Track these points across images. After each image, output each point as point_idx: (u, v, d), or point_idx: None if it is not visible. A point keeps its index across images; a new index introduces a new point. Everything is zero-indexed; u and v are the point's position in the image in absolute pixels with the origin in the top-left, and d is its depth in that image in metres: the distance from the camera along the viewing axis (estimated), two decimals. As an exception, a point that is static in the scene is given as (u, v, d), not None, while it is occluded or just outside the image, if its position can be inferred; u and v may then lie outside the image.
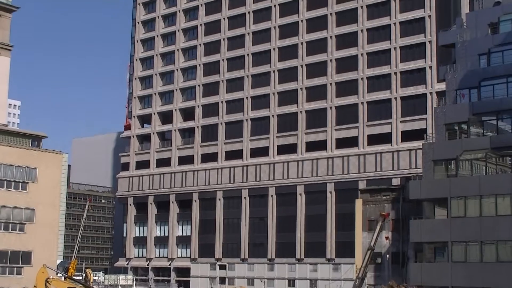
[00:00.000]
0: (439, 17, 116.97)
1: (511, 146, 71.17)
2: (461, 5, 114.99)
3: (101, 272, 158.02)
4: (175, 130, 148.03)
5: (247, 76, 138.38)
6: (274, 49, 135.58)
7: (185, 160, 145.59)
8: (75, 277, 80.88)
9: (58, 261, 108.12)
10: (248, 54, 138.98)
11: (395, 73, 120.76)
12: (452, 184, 73.07)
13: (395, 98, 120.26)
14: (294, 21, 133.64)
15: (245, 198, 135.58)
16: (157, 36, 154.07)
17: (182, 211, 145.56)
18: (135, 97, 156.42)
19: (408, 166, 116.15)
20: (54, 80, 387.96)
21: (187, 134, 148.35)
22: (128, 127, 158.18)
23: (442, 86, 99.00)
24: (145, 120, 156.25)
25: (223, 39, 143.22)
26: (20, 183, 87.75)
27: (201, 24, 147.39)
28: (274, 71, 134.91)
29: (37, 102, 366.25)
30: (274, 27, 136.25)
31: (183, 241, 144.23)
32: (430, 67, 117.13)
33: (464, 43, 78.49)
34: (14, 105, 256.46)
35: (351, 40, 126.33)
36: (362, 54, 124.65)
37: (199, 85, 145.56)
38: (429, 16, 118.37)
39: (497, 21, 77.47)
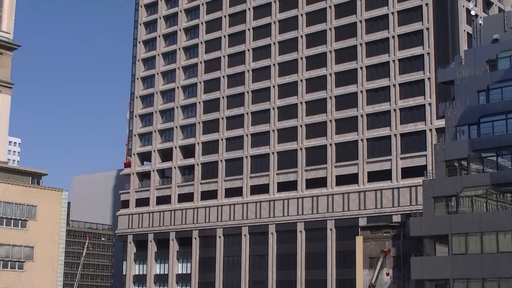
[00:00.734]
0: (438, 54, 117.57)
1: (511, 182, 71.13)
2: (459, 43, 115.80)
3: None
4: (175, 167, 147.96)
5: (247, 113, 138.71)
6: (274, 86, 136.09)
7: (185, 197, 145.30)
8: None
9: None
10: (248, 91, 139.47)
11: (395, 110, 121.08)
12: (453, 220, 72.90)
13: (395, 135, 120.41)
14: (293, 58, 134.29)
15: (245, 235, 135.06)
16: (157, 73, 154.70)
17: (182, 248, 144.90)
18: (135, 135, 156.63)
19: (408, 203, 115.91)
20: (54, 118, 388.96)
21: (187, 171, 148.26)
22: (128, 165, 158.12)
23: (441, 123, 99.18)
24: (145, 157, 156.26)
25: (223, 76, 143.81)
26: (20, 221, 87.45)
27: (201, 62, 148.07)
28: (273, 108, 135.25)
29: (37, 139, 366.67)
30: (274, 65, 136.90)
31: (183, 279, 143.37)
32: (430, 104, 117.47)
33: (463, 80, 78.87)
34: (15, 142, 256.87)
35: (350, 77, 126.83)
36: (361, 91, 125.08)
37: (199, 123, 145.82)
38: (428, 53, 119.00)
39: (495, 58, 77.94)
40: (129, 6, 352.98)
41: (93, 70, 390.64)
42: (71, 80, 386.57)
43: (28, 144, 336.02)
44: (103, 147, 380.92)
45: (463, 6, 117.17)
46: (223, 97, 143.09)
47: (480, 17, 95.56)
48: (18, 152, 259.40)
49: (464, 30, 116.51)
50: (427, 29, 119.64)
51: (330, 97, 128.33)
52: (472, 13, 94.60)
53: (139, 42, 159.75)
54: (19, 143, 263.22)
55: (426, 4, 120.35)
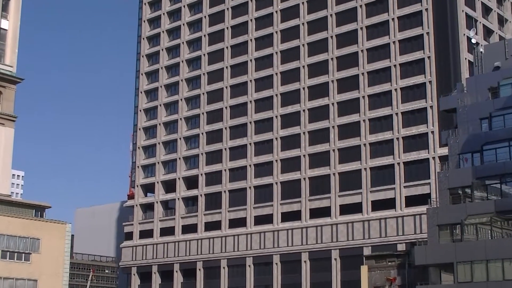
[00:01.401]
0: (440, 83, 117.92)
1: (515, 209, 70.94)
2: (461, 71, 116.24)
3: None
4: (178, 198, 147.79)
5: (250, 143, 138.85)
6: (276, 116, 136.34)
7: (189, 228, 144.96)
8: None
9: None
10: (250, 122, 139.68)
11: (398, 138, 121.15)
12: (458, 249, 72.59)
13: (398, 164, 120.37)
14: (296, 89, 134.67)
15: (249, 266, 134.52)
16: (160, 105, 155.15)
17: (186, 280, 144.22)
18: (138, 166, 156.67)
19: (412, 231, 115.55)
20: (58, 150, 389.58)
21: (190, 202, 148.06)
22: (131, 196, 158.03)
23: (444, 151, 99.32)
24: (148, 189, 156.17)
25: (226, 107, 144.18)
26: (23, 254, 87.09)
27: (203, 93, 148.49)
28: (276, 138, 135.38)
29: (41, 172, 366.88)
30: (276, 95, 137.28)
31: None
32: (432, 132, 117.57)
33: (465, 107, 78.99)
34: (18, 175, 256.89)
35: (353, 106, 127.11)
36: (364, 120, 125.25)
37: (202, 154, 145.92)
38: (430, 82, 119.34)
39: (497, 86, 78.10)
40: (131, 38, 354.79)
41: (96, 102, 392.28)
42: (74, 113, 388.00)
43: (31, 177, 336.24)
44: (107, 179, 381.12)
45: (464, 34, 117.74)
46: (225, 128, 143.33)
47: (481, 45, 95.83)
48: (22, 185, 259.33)
49: (466, 58, 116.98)
50: (429, 57, 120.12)
51: (333, 126, 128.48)
52: (473, 41, 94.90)
53: (142, 74, 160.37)
54: (22, 176, 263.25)
55: (427, 33, 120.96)
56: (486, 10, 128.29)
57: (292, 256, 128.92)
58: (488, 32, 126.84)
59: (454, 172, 76.66)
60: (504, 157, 73.95)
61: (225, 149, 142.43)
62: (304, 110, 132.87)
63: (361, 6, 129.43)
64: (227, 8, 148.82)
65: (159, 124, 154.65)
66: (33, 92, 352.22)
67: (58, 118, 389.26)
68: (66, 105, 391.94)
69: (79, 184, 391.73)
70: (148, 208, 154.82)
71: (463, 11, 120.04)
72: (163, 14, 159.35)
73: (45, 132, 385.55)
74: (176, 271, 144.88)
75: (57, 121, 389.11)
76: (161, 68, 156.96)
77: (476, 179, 74.48)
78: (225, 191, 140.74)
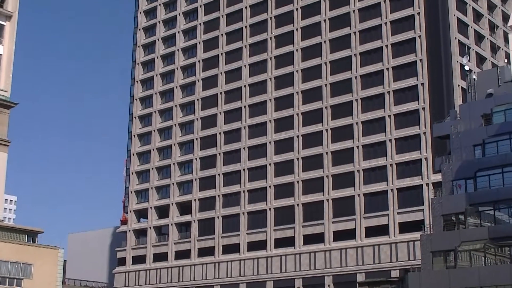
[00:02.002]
0: (433, 109, 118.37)
1: (509, 236, 70.87)
2: (454, 97, 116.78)
3: None
4: (171, 224, 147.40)
5: (244, 169, 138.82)
6: (270, 142, 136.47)
7: (182, 254, 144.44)
8: None
9: None
10: (244, 148, 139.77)
11: (391, 164, 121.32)
12: (452, 275, 72.40)
13: (392, 190, 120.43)
14: (289, 115, 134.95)
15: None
16: (154, 130, 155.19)
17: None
18: (131, 192, 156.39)
19: (406, 258, 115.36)
20: (51, 175, 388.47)
21: (184, 228, 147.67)
22: (124, 222, 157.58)
23: (438, 177, 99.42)
24: (141, 214, 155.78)
25: (219, 133, 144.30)
26: (15, 280, 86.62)
27: (197, 119, 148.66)
28: (270, 164, 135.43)
29: (34, 197, 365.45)
30: (270, 121, 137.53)
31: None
32: (426, 159, 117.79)
33: (459, 134, 79.21)
34: (11, 200, 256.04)
35: (346, 132, 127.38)
36: (357, 147, 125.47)
37: (195, 179, 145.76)
38: (423, 108, 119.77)
39: (490, 112, 78.39)
40: (126, 63, 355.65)
41: (90, 127, 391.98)
42: (68, 138, 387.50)
43: (24, 202, 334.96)
44: (100, 204, 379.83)
45: (457, 61, 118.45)
46: (219, 154, 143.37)
47: (474, 72, 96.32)
48: (14, 210, 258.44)
49: (459, 85, 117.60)
50: (422, 84, 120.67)
51: (327, 153, 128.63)
52: (466, 68, 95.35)
53: (136, 99, 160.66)
54: (15, 201, 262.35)
55: (421, 60, 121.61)
56: (479, 38, 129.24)
57: (285, 283, 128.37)
58: (481, 59, 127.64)
59: (447, 199, 76.68)
60: (497, 184, 74.01)
61: (219, 174, 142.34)
62: (298, 136, 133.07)
63: (355, 55, 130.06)
64: (222, 16, 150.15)
65: (153, 149, 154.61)
66: (26, 117, 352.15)
67: (52, 142, 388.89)
68: (59, 130, 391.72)
69: (72, 209, 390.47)
70: (141, 233, 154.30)
71: (456, 38, 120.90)
72: (157, 57, 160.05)
73: (38, 157, 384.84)
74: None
75: (50, 146, 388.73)
76: (155, 93, 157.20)
77: (470, 206, 74.49)
78: (218, 217, 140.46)
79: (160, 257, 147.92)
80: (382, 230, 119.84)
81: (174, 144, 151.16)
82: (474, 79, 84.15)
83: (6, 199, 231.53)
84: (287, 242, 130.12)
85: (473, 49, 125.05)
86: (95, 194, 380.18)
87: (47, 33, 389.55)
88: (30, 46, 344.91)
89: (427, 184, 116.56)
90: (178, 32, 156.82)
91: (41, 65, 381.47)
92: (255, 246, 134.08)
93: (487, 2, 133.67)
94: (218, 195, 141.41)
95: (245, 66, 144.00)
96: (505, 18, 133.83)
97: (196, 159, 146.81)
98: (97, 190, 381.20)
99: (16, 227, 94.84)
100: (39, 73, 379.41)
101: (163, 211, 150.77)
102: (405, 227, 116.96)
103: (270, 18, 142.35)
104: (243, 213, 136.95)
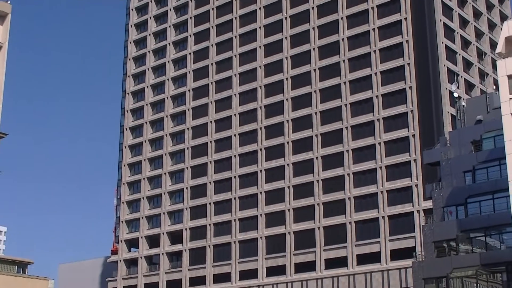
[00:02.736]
0: (423, 136, 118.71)
1: (501, 262, 70.92)
2: (443, 124, 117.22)
3: None
4: (162, 253, 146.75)
5: (234, 198, 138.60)
6: (261, 170, 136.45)
7: (173, 284, 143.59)
8: None
9: None
10: (235, 176, 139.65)
11: (382, 192, 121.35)
12: (444, 302, 72.29)
13: (383, 217, 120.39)
14: (280, 143, 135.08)
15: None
16: (144, 160, 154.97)
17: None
18: (122, 221, 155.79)
19: (398, 285, 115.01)
20: (40, 206, 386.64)
21: (175, 257, 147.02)
22: (115, 252, 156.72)
23: (429, 204, 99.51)
24: (132, 244, 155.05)
25: (210, 161, 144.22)
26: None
27: (187, 148, 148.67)
28: (261, 192, 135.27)
29: (24, 228, 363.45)
30: (261, 149, 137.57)
31: None
32: (416, 185, 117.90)
33: (449, 161, 79.53)
34: (0, 231, 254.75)
35: (336, 160, 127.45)
36: (348, 174, 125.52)
37: (186, 208, 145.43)
38: (413, 135, 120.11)
39: (479, 139, 78.85)
40: (116, 93, 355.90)
41: (80, 156, 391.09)
42: (58, 167, 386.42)
43: (14, 233, 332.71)
44: (90, 234, 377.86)
45: (446, 88, 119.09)
46: (210, 182, 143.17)
47: (463, 98, 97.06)
48: (4, 240, 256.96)
49: (448, 112, 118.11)
50: (412, 111, 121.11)
51: (317, 180, 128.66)
52: (455, 95, 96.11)
53: (126, 128, 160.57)
54: (4, 232, 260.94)
55: (410, 87, 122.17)
56: (467, 65, 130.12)
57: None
58: (469, 86, 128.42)
59: (438, 226, 76.79)
60: (488, 210, 74.23)
61: (210, 203, 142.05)
62: (288, 165, 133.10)
63: (344, 83, 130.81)
64: (212, 45, 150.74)
65: (143, 178, 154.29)
66: (17, 147, 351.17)
67: (41, 172, 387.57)
68: (49, 160, 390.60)
69: (62, 239, 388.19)
70: (132, 263, 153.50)
71: (444, 65, 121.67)
72: (147, 86, 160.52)
73: (28, 186, 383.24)
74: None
75: (40, 175, 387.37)
76: (145, 122, 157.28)
77: (461, 232, 74.61)
78: (209, 246, 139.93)
79: (151, 287, 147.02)
80: (374, 257, 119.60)
81: (165, 173, 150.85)
82: (463, 105, 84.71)
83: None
84: (279, 270, 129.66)
85: (461, 76, 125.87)
86: (86, 224, 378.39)
87: (37, 65, 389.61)
88: (20, 76, 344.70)
89: (418, 211, 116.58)
90: (168, 43, 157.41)
91: (31, 97, 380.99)
92: (246, 275, 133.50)
93: (474, 30, 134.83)
94: (209, 224, 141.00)
95: (235, 94, 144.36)
96: (493, 45, 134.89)
97: (187, 187, 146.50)
98: (87, 220, 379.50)
99: (5, 258, 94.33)
100: (30, 104, 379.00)
101: (154, 241, 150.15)
102: (396, 254, 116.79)
103: (260, 47, 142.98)
104: (235, 242, 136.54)
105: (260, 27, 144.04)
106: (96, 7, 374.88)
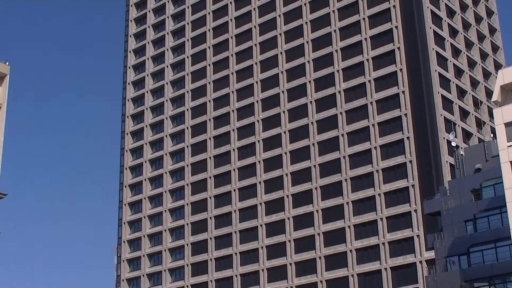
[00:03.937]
0: (423, 186, 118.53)
1: (506, 311, 70.38)
2: (443, 173, 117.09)
3: None
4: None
5: (235, 232, 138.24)
6: (260, 203, 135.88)
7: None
8: None
9: None
10: (235, 210, 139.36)
11: (383, 243, 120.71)
12: None
13: (385, 269, 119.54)
14: (279, 197, 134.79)
15: None
16: (144, 217, 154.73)
17: None
18: (123, 280, 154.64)
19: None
20: (39, 264, 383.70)
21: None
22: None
23: (431, 254, 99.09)
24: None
25: (210, 197, 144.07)
26: None
27: (187, 184, 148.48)
28: (261, 225, 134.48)
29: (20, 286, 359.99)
30: (260, 182, 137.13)
31: None
32: (418, 236, 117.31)
33: (449, 210, 79.41)
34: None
35: (337, 213, 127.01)
36: (349, 226, 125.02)
37: (187, 265, 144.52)
38: (413, 186, 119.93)
39: (479, 188, 78.84)
40: (115, 133, 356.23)
41: (80, 213, 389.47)
42: (57, 225, 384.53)
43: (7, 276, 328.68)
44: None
45: (444, 138, 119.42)
46: (210, 218, 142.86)
47: (461, 147, 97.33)
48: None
49: (447, 161, 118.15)
50: (410, 161, 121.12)
51: (318, 234, 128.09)
52: (453, 144, 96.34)
53: (125, 186, 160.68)
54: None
55: (408, 138, 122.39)
56: (464, 114, 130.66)
57: None
58: (467, 135, 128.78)
59: (442, 276, 76.30)
60: (491, 259, 73.87)
61: (211, 238, 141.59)
62: (288, 218, 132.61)
63: (341, 113, 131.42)
64: (209, 64, 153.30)
65: (144, 236, 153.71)
66: (15, 206, 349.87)
67: (41, 229, 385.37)
68: (49, 216, 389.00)
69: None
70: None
71: (441, 115, 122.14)
72: (145, 125, 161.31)
73: (26, 245, 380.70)
74: None
75: (40, 232, 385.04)
76: (145, 179, 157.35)
77: (465, 282, 74.13)
78: (211, 281, 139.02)
79: None
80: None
81: (165, 230, 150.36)
82: (462, 154, 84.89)
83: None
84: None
85: (458, 125, 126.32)
86: (86, 284, 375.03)
87: (35, 117, 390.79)
88: (19, 131, 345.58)
89: (420, 262, 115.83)
90: (167, 66, 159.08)
91: (28, 153, 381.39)
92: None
93: (470, 79, 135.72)
94: (210, 259, 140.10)
95: (233, 130, 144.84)
96: (488, 93, 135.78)
97: (187, 243, 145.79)
98: (88, 279, 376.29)
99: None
100: (27, 158, 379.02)
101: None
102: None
103: (256, 63, 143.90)
104: (236, 275, 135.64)
105: (256, 44, 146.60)
106: (95, 13, 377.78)
